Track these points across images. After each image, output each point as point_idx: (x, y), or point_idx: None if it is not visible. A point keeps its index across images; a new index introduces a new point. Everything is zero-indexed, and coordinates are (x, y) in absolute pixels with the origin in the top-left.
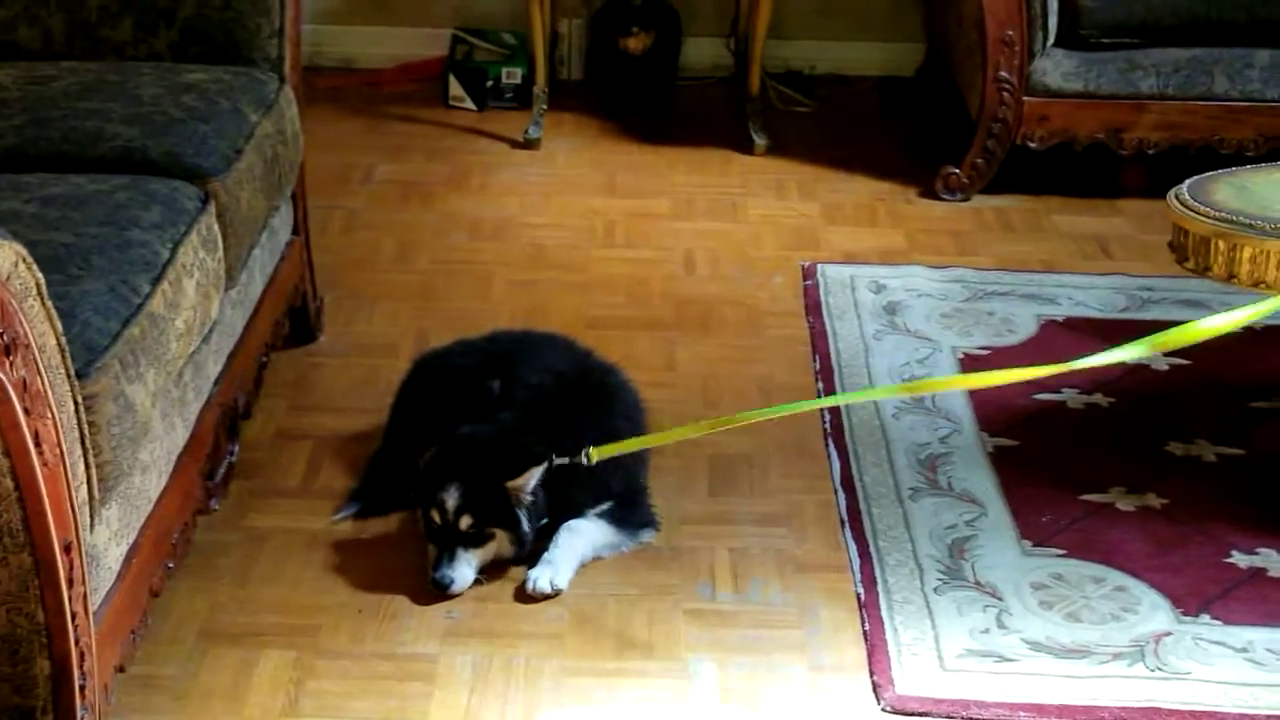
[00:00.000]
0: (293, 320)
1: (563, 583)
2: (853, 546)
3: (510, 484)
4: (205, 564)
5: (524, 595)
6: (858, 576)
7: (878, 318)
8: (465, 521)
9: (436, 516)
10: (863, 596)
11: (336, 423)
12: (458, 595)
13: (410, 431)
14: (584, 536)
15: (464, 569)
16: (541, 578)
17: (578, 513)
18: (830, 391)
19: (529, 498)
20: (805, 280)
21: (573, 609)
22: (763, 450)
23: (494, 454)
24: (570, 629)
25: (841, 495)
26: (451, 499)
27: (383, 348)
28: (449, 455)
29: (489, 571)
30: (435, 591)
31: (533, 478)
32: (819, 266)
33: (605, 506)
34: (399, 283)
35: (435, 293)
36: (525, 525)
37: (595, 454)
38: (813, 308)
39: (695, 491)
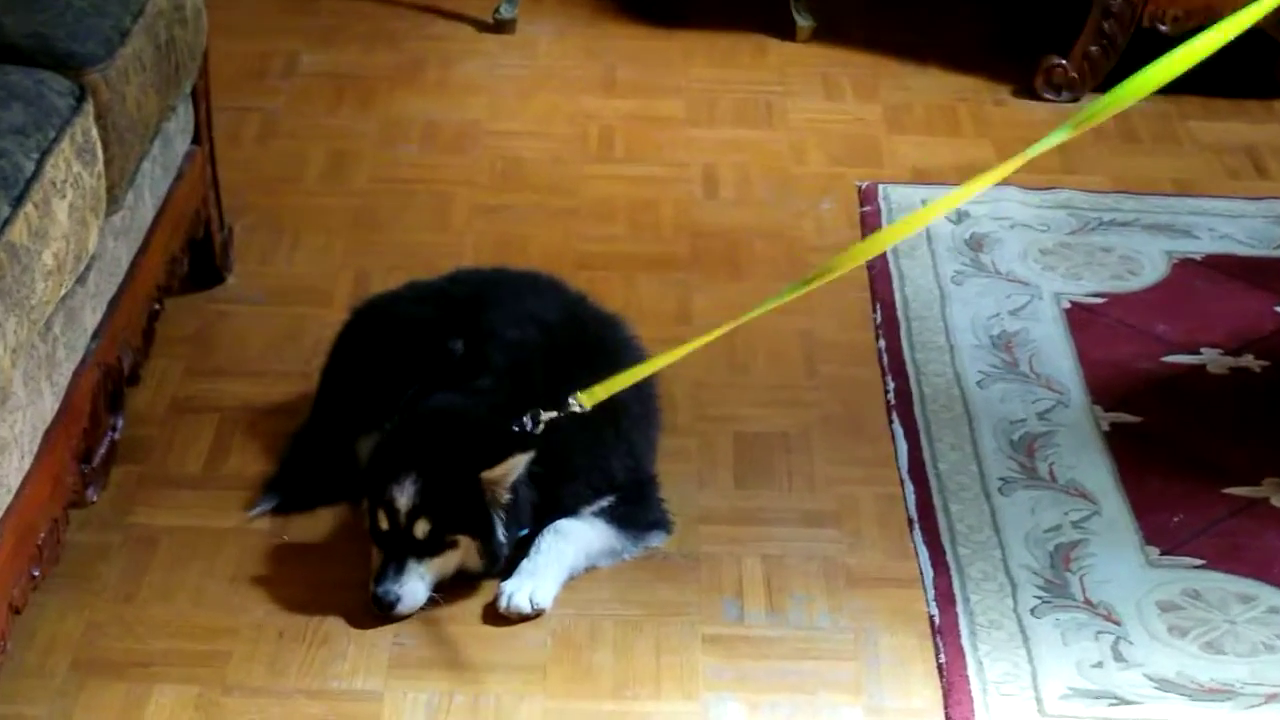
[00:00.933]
0: (193, 256)
1: (546, 600)
2: (924, 553)
3: (486, 475)
4: (81, 573)
5: (496, 615)
6: (930, 593)
7: (958, 255)
8: (421, 527)
9: (384, 518)
10: (937, 619)
11: (250, 390)
12: (405, 617)
13: (346, 404)
14: (574, 541)
15: (414, 584)
16: (519, 593)
17: (568, 509)
18: (896, 353)
19: (507, 496)
20: (862, 206)
21: (557, 634)
22: (804, 427)
23: (463, 435)
24: (554, 659)
25: (909, 487)
26: (404, 496)
27: (310, 293)
28: (403, 437)
29: (450, 586)
30: (377, 611)
31: (515, 469)
32: (880, 188)
33: (604, 502)
34: (331, 208)
35: (378, 221)
36: (500, 533)
37: (586, 398)
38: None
39: (717, 481)
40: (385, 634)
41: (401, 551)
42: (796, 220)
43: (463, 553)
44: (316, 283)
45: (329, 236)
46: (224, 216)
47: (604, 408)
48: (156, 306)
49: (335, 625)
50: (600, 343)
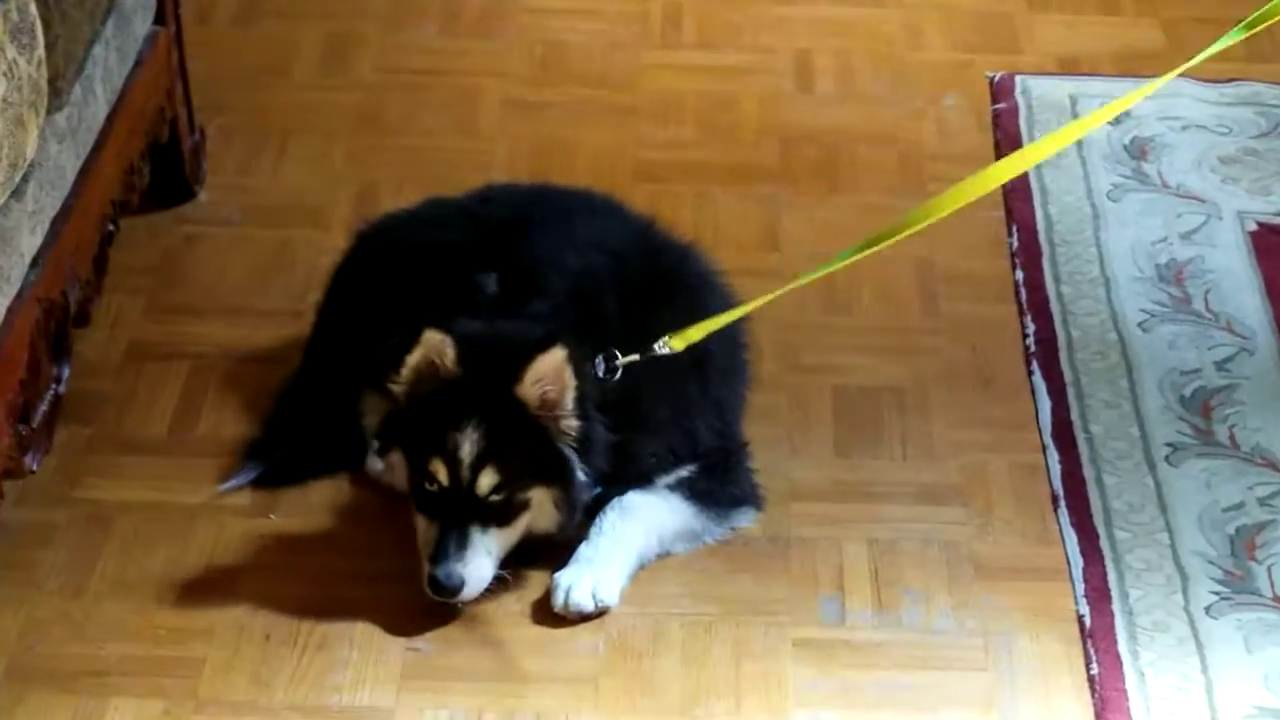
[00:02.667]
0: (156, 166)
1: (612, 595)
2: (1072, 538)
3: (525, 390)
4: (18, 559)
5: (547, 614)
6: (1080, 588)
7: (1116, 165)
8: (488, 480)
9: (441, 472)
10: (1088, 620)
11: (226, 334)
12: (465, 602)
13: (346, 352)
14: (644, 520)
15: (480, 560)
16: (578, 586)
17: (641, 478)
18: (1037, 287)
19: (574, 423)
20: (996, 103)
21: (612, 637)
22: (921, 380)
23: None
24: (608, 669)
25: (1054, 454)
26: (469, 444)
27: (301, 212)
28: (462, 367)
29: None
30: (435, 597)
31: (559, 369)
32: (1018, 80)
33: (682, 472)
34: (327, 106)
35: (386, 122)
36: (580, 472)
37: (679, 341)
38: (1009, 149)
39: (813, 448)
40: (395, 642)
41: (463, 517)
42: (912, 121)
43: (535, 512)
44: (309, 199)
45: (325, 141)
46: (194, 116)
47: (686, 356)
48: (111, 228)
49: (334, 626)
50: (677, 276)
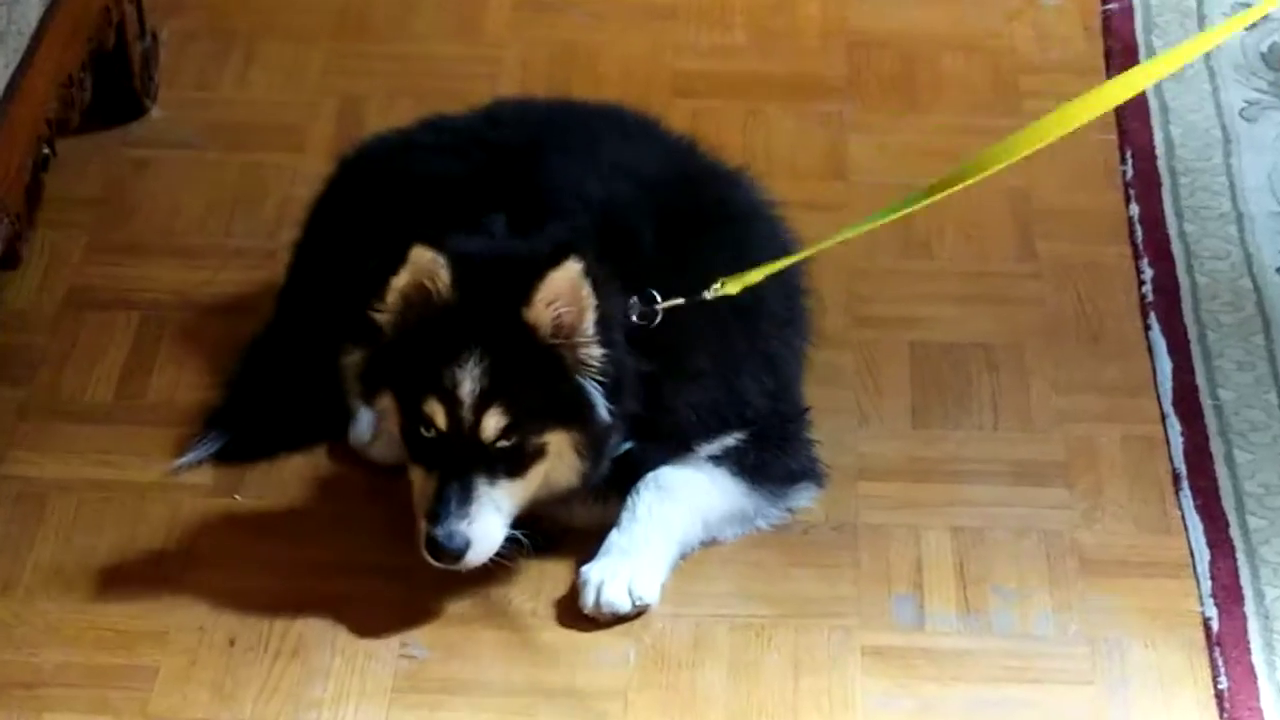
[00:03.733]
0: (100, 77)
1: (651, 592)
2: (1196, 526)
3: (532, 314)
4: None
5: (572, 614)
6: (1206, 585)
7: (1252, 77)
8: (494, 422)
9: (439, 415)
10: (1216, 625)
11: (183, 277)
12: (471, 567)
13: (327, 300)
14: (685, 500)
15: (488, 518)
16: (612, 583)
17: (678, 443)
18: (1155, 224)
19: (599, 351)
20: (1106, 3)
21: (647, 645)
22: (1016, 335)
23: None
24: (641, 680)
25: (1175, 425)
26: (470, 380)
27: (272, 132)
28: (459, 290)
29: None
30: (435, 562)
31: (574, 283)
32: None
33: (729, 440)
34: (302, 1)
35: (373, 24)
36: (603, 410)
37: (734, 285)
38: (1122, 58)
39: (884, 416)
40: (386, 645)
41: (467, 466)
42: (1005, 24)
43: (552, 461)
44: (282, 116)
45: (301, 47)
46: (145, 16)
47: (735, 302)
48: (46, 151)
49: (312, 628)
50: (723, 208)
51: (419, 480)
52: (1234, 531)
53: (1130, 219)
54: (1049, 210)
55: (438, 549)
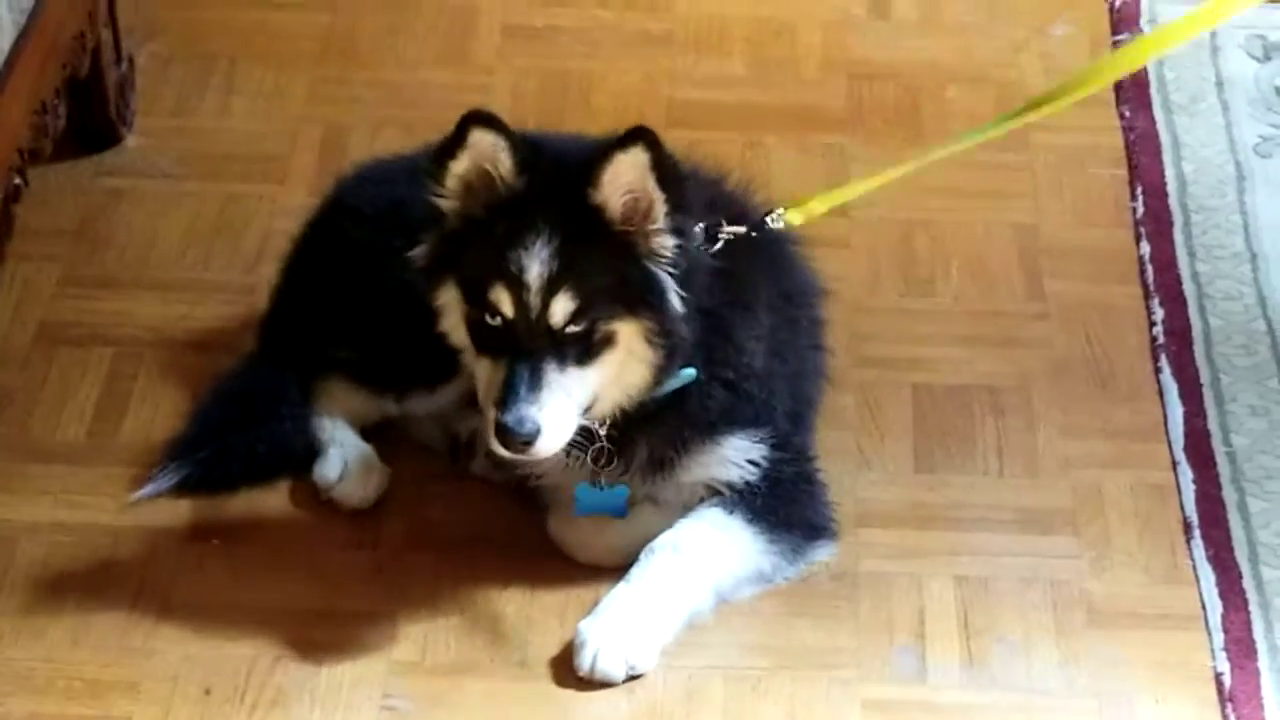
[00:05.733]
0: (75, 104)
1: (647, 662)
2: (1208, 577)
3: (600, 195)
4: None
5: (561, 668)
6: (1218, 639)
7: (1267, 113)
8: (563, 306)
9: (505, 301)
10: (1229, 680)
11: (158, 312)
12: (541, 456)
13: (311, 337)
14: (699, 563)
15: (561, 404)
16: (608, 651)
17: (718, 422)
18: (1167, 264)
19: (671, 240)
20: (1118, 34)
21: (638, 697)
22: (1022, 378)
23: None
24: None
25: (1186, 472)
26: (538, 263)
27: (252, 161)
28: (525, 174)
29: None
30: (506, 450)
31: (639, 167)
32: (1145, 4)
33: (749, 471)
34: (286, 28)
35: (359, 50)
36: (675, 300)
37: (793, 214)
38: (1131, 90)
39: (886, 460)
40: (370, 688)
41: (534, 353)
42: (1013, 54)
43: (621, 353)
44: (263, 146)
45: (283, 73)
46: (121, 42)
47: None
48: (17, 181)
49: (291, 678)
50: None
51: (485, 371)
52: (1247, 583)
53: (1141, 258)
54: (1057, 248)
55: (508, 435)
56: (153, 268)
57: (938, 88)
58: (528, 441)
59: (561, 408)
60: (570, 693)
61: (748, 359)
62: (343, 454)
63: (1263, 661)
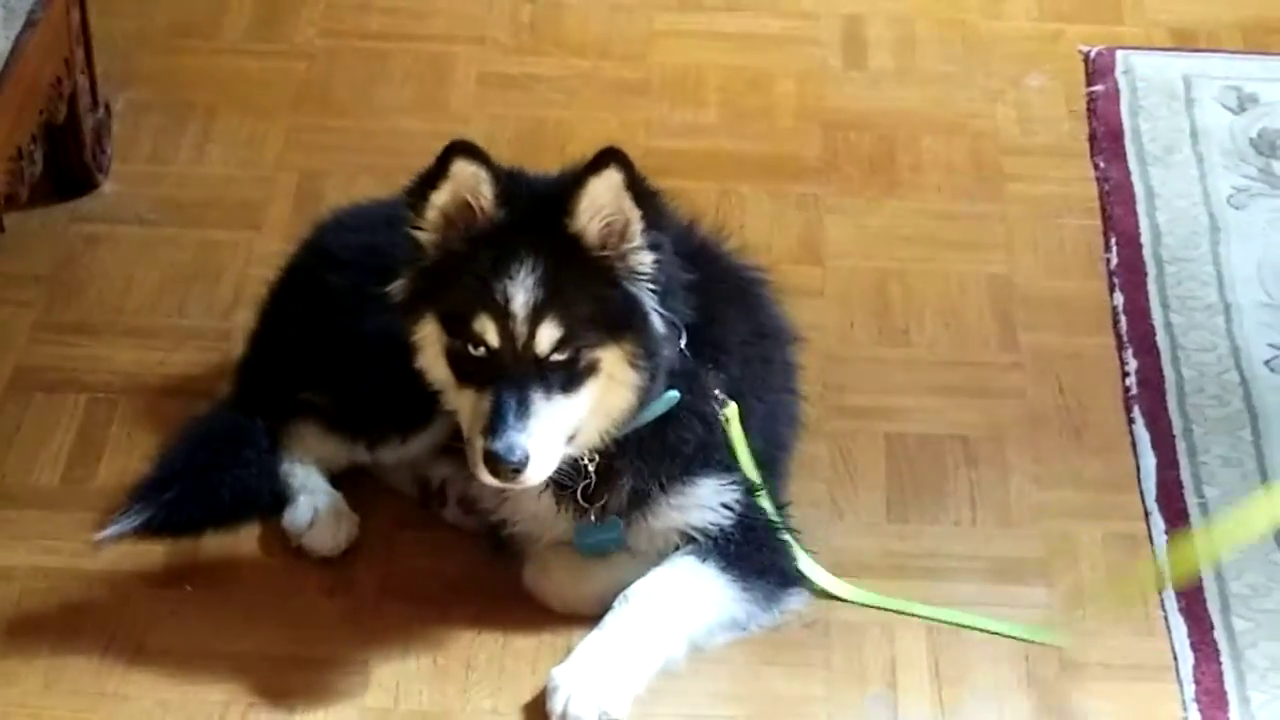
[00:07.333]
0: (50, 150)
1: (620, 710)
2: (1180, 628)
3: (576, 223)
4: None
5: (536, 713)
6: (1189, 690)
7: (1241, 164)
8: (549, 334)
9: (490, 332)
10: None
11: (133, 358)
12: (528, 485)
13: (289, 380)
14: (673, 611)
15: (548, 432)
16: (579, 696)
17: (692, 456)
18: (1140, 314)
19: (649, 256)
20: (1091, 85)
21: None
22: (995, 428)
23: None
24: None
25: (1159, 523)
26: (522, 293)
27: (229, 207)
28: (504, 205)
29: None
30: (495, 479)
31: (613, 189)
32: (1121, 56)
33: (727, 515)
34: (262, 75)
35: (335, 97)
36: (657, 319)
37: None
38: (1106, 142)
39: (861, 510)
40: None
41: (520, 381)
42: (987, 105)
43: (604, 380)
44: (239, 192)
45: (259, 120)
46: (98, 88)
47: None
48: None
49: None
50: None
51: (469, 403)
52: (1219, 634)
53: (1115, 309)
54: (1031, 299)
55: (497, 463)
56: (128, 314)
57: (913, 137)
58: (517, 469)
59: (549, 435)
60: None
61: (721, 395)
62: (313, 501)
63: (1234, 712)
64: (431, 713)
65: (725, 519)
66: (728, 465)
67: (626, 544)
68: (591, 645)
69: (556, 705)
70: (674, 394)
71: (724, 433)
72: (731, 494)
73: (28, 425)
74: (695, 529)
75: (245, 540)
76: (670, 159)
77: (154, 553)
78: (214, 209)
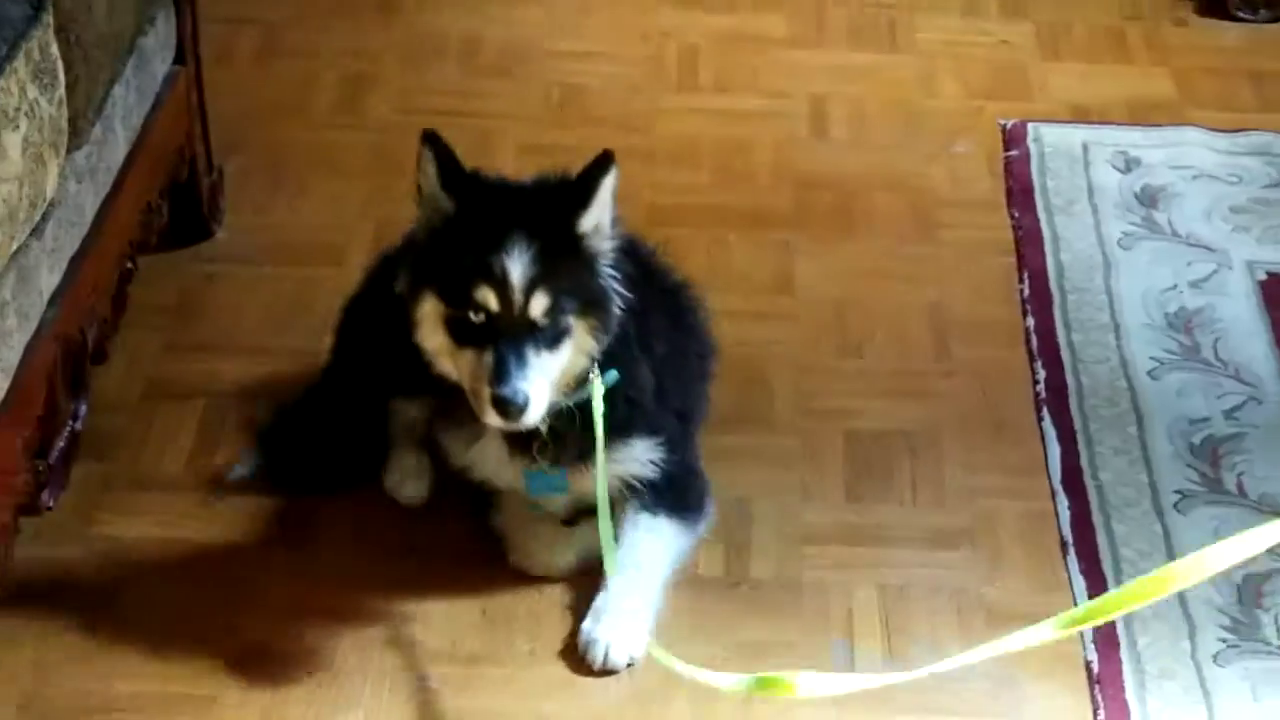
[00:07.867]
0: (175, 204)
1: (640, 650)
2: (1080, 585)
3: (582, 223)
4: (34, 600)
5: (573, 662)
6: (1088, 634)
7: (1127, 212)
8: (541, 302)
9: (490, 299)
10: (1096, 667)
11: (243, 371)
12: (528, 426)
13: (360, 383)
14: (654, 568)
15: (542, 381)
16: (615, 645)
17: (631, 409)
18: (1047, 334)
19: (610, 244)
20: (1008, 150)
21: (624, 680)
22: (933, 425)
23: (561, 190)
24: (621, 713)
25: (1063, 500)
26: (519, 265)
27: (319, 250)
28: (499, 201)
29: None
30: (500, 418)
31: (608, 191)
32: (1030, 128)
33: (654, 468)
34: (345, 145)
35: (403, 162)
36: (613, 294)
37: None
38: (1020, 195)
39: (825, 492)
40: (411, 672)
41: (517, 340)
42: (925, 166)
43: (575, 343)
44: (327, 237)
45: (343, 181)
46: (213, 155)
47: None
48: (129, 266)
49: (350, 650)
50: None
51: (469, 361)
52: (1111, 590)
53: (1027, 329)
54: (961, 320)
55: (505, 405)
56: (238, 336)
57: (866, 193)
58: (522, 409)
59: (543, 384)
60: (575, 677)
61: (644, 381)
62: (404, 465)
63: (1124, 653)
64: (482, 654)
65: (653, 471)
66: (654, 428)
67: (569, 489)
68: (610, 604)
69: (598, 655)
70: (614, 374)
71: (646, 406)
72: (659, 451)
73: (157, 426)
74: (632, 477)
75: (320, 502)
76: (670, 212)
77: (255, 520)
78: (307, 251)
